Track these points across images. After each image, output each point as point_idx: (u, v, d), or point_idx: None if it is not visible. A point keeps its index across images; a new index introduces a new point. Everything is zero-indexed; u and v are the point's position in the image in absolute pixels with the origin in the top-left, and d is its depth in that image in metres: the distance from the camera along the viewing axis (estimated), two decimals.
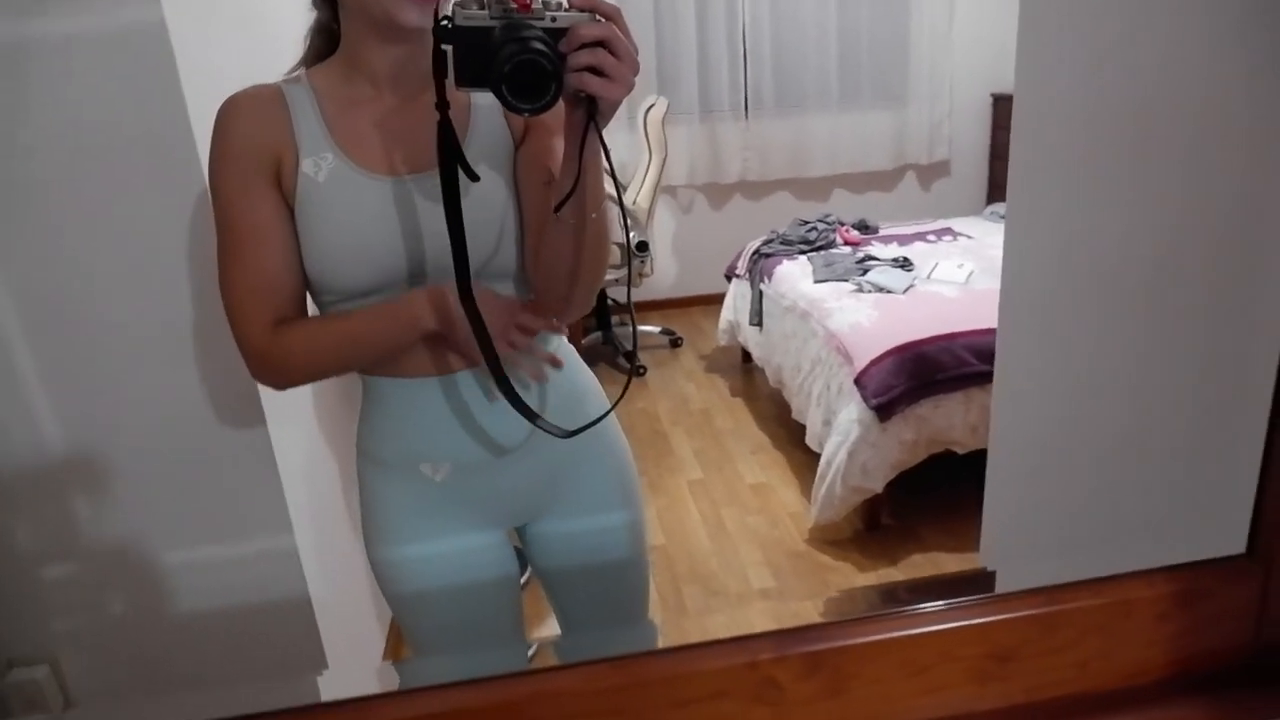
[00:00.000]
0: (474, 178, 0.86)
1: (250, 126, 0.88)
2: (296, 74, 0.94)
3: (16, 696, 1.35)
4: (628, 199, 3.23)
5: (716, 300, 3.46)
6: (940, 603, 0.50)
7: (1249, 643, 0.54)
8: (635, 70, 0.76)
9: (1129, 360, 0.67)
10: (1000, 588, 0.66)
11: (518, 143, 0.93)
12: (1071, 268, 0.83)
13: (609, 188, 0.86)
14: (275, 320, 0.89)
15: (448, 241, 0.85)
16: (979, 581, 0.74)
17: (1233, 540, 0.55)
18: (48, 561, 1.32)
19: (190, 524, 1.36)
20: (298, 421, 1.64)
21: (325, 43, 0.95)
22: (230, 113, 0.88)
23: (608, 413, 1.02)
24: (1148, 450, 0.63)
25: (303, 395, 1.66)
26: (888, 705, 0.50)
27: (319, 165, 0.88)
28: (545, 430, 0.94)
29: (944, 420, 2.27)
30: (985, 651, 0.51)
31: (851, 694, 0.50)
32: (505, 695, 0.49)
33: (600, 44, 0.74)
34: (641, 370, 3.47)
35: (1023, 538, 0.81)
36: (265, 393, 1.34)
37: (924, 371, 2.25)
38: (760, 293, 3.02)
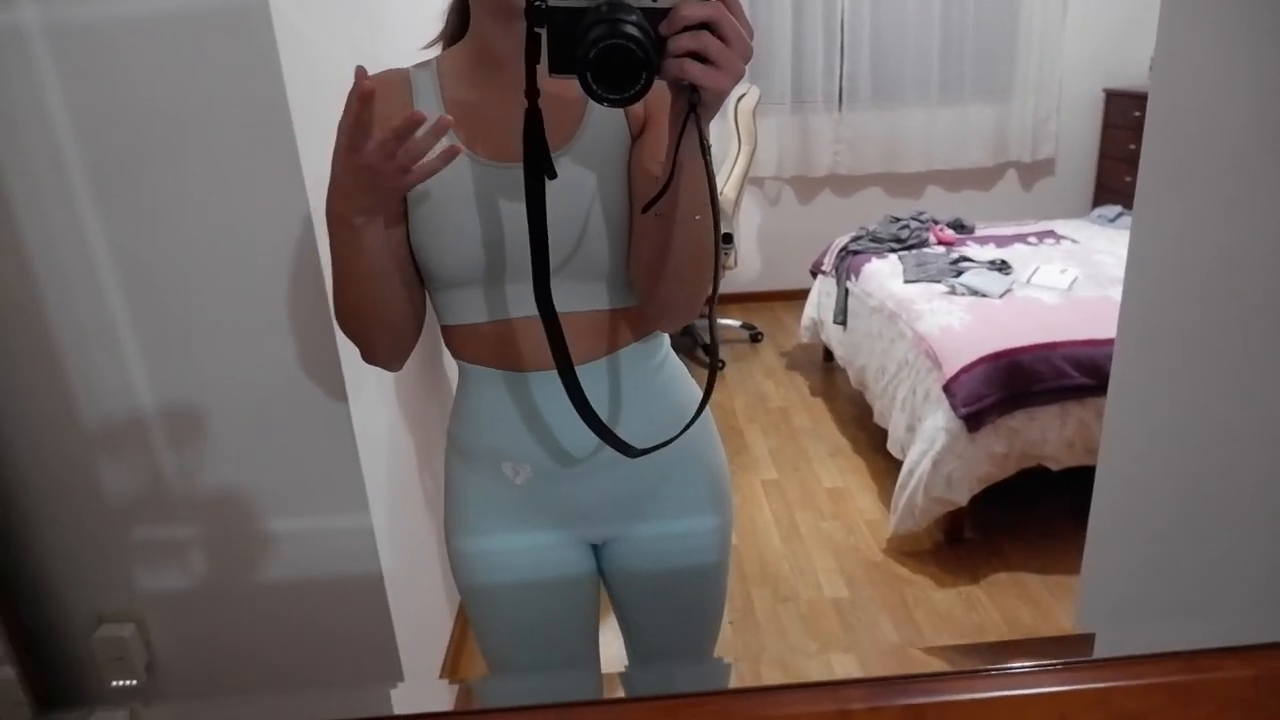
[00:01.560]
0: (551, 174, 0.80)
1: (381, 108, 0.87)
2: (428, 59, 0.93)
3: (104, 651, 1.41)
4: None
5: (800, 296, 3.38)
6: (1057, 661, 0.45)
7: None
8: (747, 57, 0.68)
9: (1265, 404, 0.59)
10: (1099, 653, 0.59)
11: (635, 134, 0.87)
12: (1204, 292, 0.75)
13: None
14: None
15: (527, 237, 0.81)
16: (1075, 645, 0.67)
17: None
18: (137, 522, 1.37)
19: (273, 495, 1.39)
20: (379, 400, 1.65)
21: (459, 23, 0.93)
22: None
23: (683, 431, 0.91)
24: (1263, 514, 0.56)
25: (386, 375, 1.68)
26: None
27: (435, 151, 0.86)
28: (614, 446, 0.88)
29: (1037, 434, 2.16)
30: (1107, 715, 0.45)
31: None
32: None
33: (706, 26, 0.66)
34: (720, 365, 3.42)
35: (1129, 598, 0.73)
36: (348, 370, 1.36)
37: (1018, 381, 2.14)
38: (846, 290, 2.93)
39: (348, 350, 1.37)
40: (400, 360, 0.97)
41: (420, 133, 0.74)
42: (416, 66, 0.92)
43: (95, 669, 1.42)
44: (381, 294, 0.87)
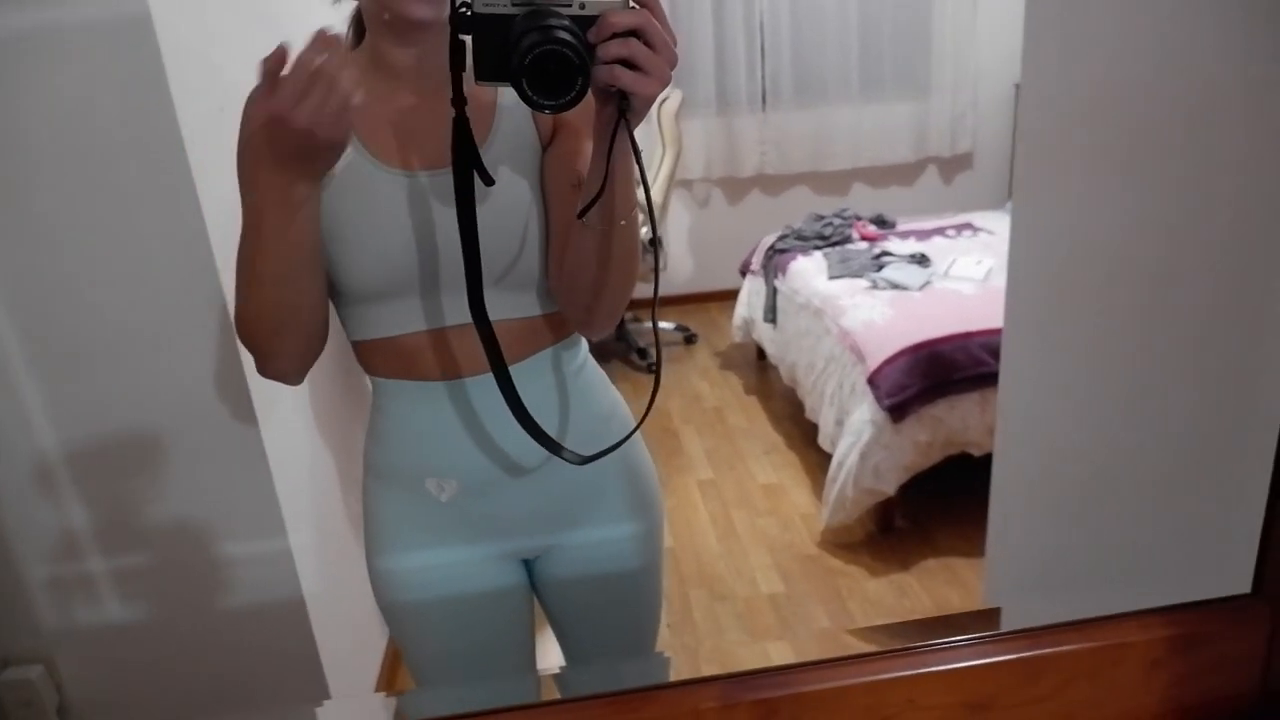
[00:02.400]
0: (488, 181, 0.81)
1: None
2: None
3: (11, 696, 1.35)
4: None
5: (732, 296, 3.40)
6: (904, 645, 0.46)
7: (1255, 690, 0.49)
8: (672, 63, 0.69)
9: (1134, 386, 0.61)
10: (1006, 625, 0.61)
11: (545, 143, 0.88)
12: (1079, 272, 0.78)
13: (639, 192, 0.80)
14: None
15: (460, 245, 0.81)
16: (985, 619, 0.69)
17: (1241, 579, 0.50)
18: (42, 562, 1.32)
19: (186, 523, 1.35)
20: (294, 421, 1.62)
21: (356, 34, 0.92)
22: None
23: (628, 436, 0.94)
24: (1153, 483, 0.58)
25: (300, 394, 1.64)
26: None
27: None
28: (563, 458, 0.89)
29: (959, 421, 2.21)
30: (958, 700, 0.46)
31: None
32: None
33: (634, 33, 0.67)
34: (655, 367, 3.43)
35: (1028, 573, 0.76)
36: (257, 392, 1.32)
37: (939, 371, 2.19)
38: (774, 289, 2.97)
39: (255, 371, 1.33)
40: (303, 371, 0.91)
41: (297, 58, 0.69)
42: None
43: (2, 714, 1.36)
44: (302, 287, 0.83)
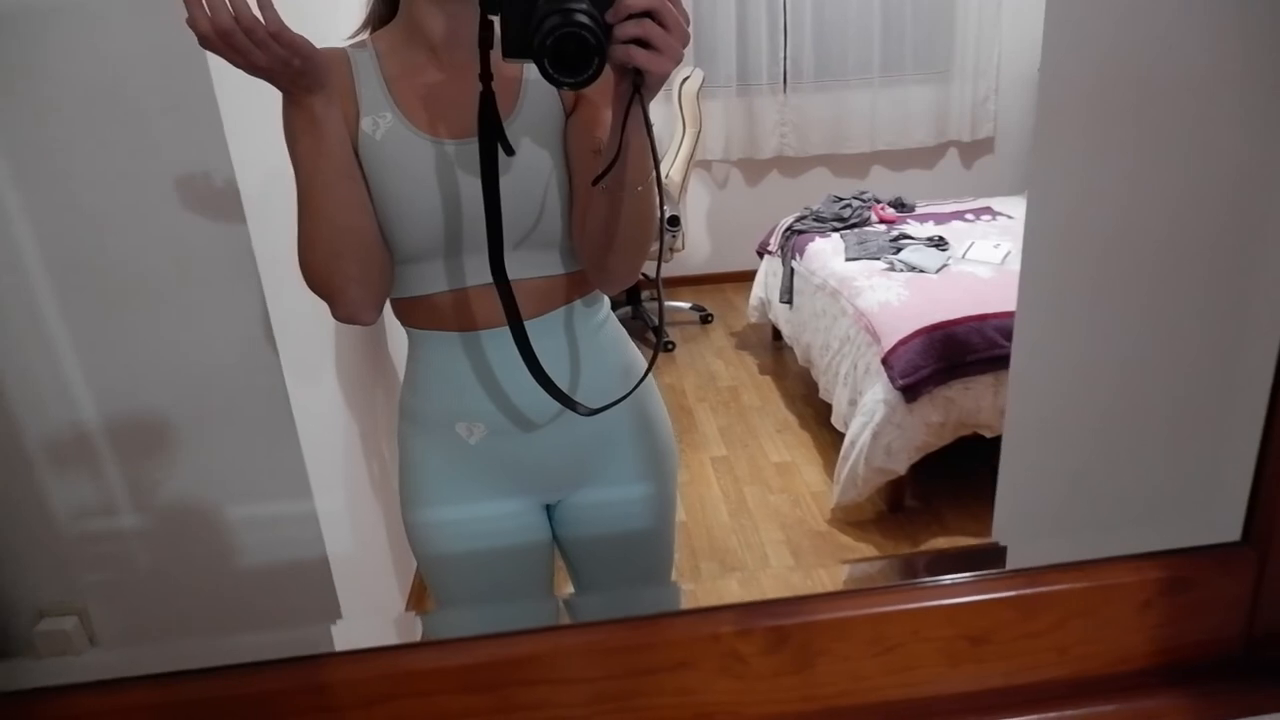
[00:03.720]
0: (509, 151, 0.86)
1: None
2: (361, 38, 0.95)
3: (46, 645, 1.40)
4: (661, 171, 3.20)
5: (749, 277, 3.42)
6: (909, 581, 0.49)
7: (1240, 634, 0.52)
8: (685, 43, 0.74)
9: (1136, 341, 0.64)
10: (1011, 564, 0.64)
11: (568, 111, 0.93)
12: (1086, 250, 0.81)
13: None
14: None
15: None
16: (991, 556, 0.73)
17: (1231, 527, 0.52)
18: (76, 517, 1.36)
19: (215, 483, 1.39)
20: (321, 385, 1.66)
21: (386, 5, 0.95)
22: None
23: (630, 392, 0.98)
24: (1153, 433, 0.61)
25: (325, 358, 1.68)
26: (855, 683, 0.49)
27: (377, 124, 0.89)
28: (568, 407, 0.94)
29: (972, 403, 2.23)
30: (957, 633, 0.49)
31: (817, 670, 0.49)
32: (466, 657, 0.49)
33: (648, 14, 0.72)
34: (670, 346, 3.46)
35: (1035, 515, 0.79)
36: (287, 356, 1.36)
37: (953, 353, 2.21)
38: (791, 270, 2.98)
39: (285, 334, 1.37)
40: (374, 305, 0.94)
41: None
42: (352, 46, 0.94)
43: (38, 665, 1.41)
44: (347, 205, 0.87)
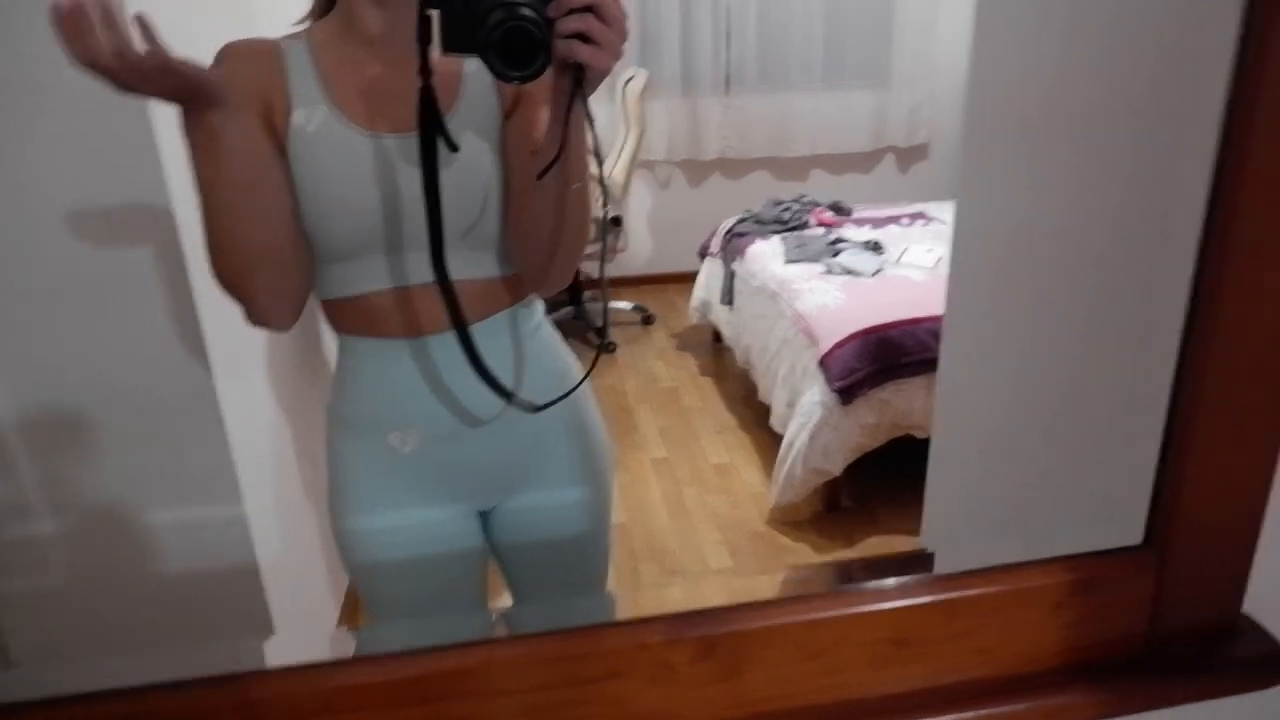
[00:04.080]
0: (453, 147, 0.85)
1: (245, 70, 0.86)
2: (296, 30, 0.93)
3: None
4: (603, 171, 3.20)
5: (691, 278, 3.45)
6: (836, 588, 0.50)
7: (1143, 632, 0.54)
8: (624, 38, 0.75)
9: (1050, 349, 0.67)
10: (939, 569, 0.66)
11: (507, 112, 0.92)
12: (1008, 258, 0.84)
13: (591, 161, 0.85)
14: None
15: (425, 206, 0.85)
16: (921, 562, 0.76)
17: (1134, 531, 0.55)
18: None
19: (140, 488, 1.35)
20: (252, 385, 1.62)
21: (327, 3, 0.93)
22: (226, 56, 0.87)
23: (575, 388, 1.01)
24: (1065, 439, 0.63)
25: (257, 357, 1.64)
26: (783, 688, 0.51)
27: (310, 117, 0.87)
28: (514, 404, 0.94)
29: (905, 404, 2.29)
30: (883, 636, 0.51)
31: (746, 677, 0.50)
32: (399, 672, 0.49)
33: (589, 9, 0.72)
34: (612, 346, 3.46)
35: (960, 520, 0.81)
36: (215, 354, 1.32)
37: (887, 355, 2.26)
38: (732, 272, 3.02)
39: (214, 333, 1.33)
40: (288, 310, 0.91)
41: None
42: (286, 37, 0.92)
43: None
44: (257, 214, 0.83)
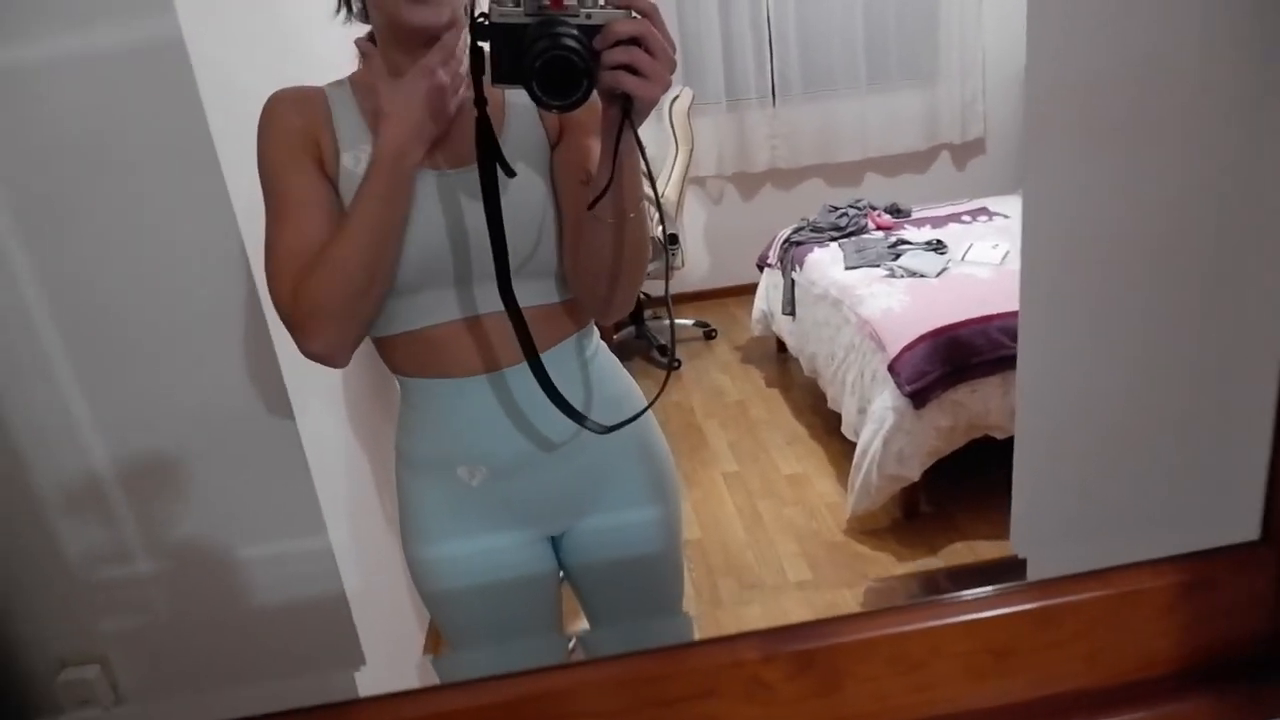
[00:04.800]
0: (510, 173, 0.86)
1: (294, 116, 0.90)
2: (340, 79, 0.96)
3: (68, 695, 1.40)
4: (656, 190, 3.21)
5: (750, 290, 3.43)
6: (929, 599, 0.49)
7: (1264, 632, 0.51)
8: (671, 68, 0.76)
9: (1142, 341, 0.64)
10: (1031, 574, 0.64)
11: (553, 142, 0.94)
12: (1085, 250, 0.81)
13: (645, 186, 0.86)
14: None
15: (482, 239, 0.87)
16: (1011, 569, 0.73)
17: (1250, 526, 0.52)
18: (91, 564, 1.37)
19: (230, 524, 1.39)
20: (328, 419, 1.66)
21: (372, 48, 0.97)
22: (275, 104, 0.91)
23: (647, 408, 1.01)
24: (1165, 433, 0.61)
25: (333, 392, 1.69)
26: (880, 703, 0.49)
27: (358, 158, 0.89)
28: (586, 427, 0.94)
29: (981, 405, 2.22)
30: (979, 647, 0.49)
31: (843, 692, 0.49)
32: (490, 697, 0.49)
33: (635, 41, 0.73)
34: (677, 364, 3.46)
35: (1051, 523, 0.79)
36: (294, 390, 1.36)
37: (958, 356, 2.21)
38: (792, 281, 2.99)
39: (292, 371, 1.38)
40: (355, 345, 0.93)
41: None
42: (330, 85, 0.95)
43: (60, 712, 1.41)
44: (392, 257, 0.87)
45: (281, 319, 0.90)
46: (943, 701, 0.50)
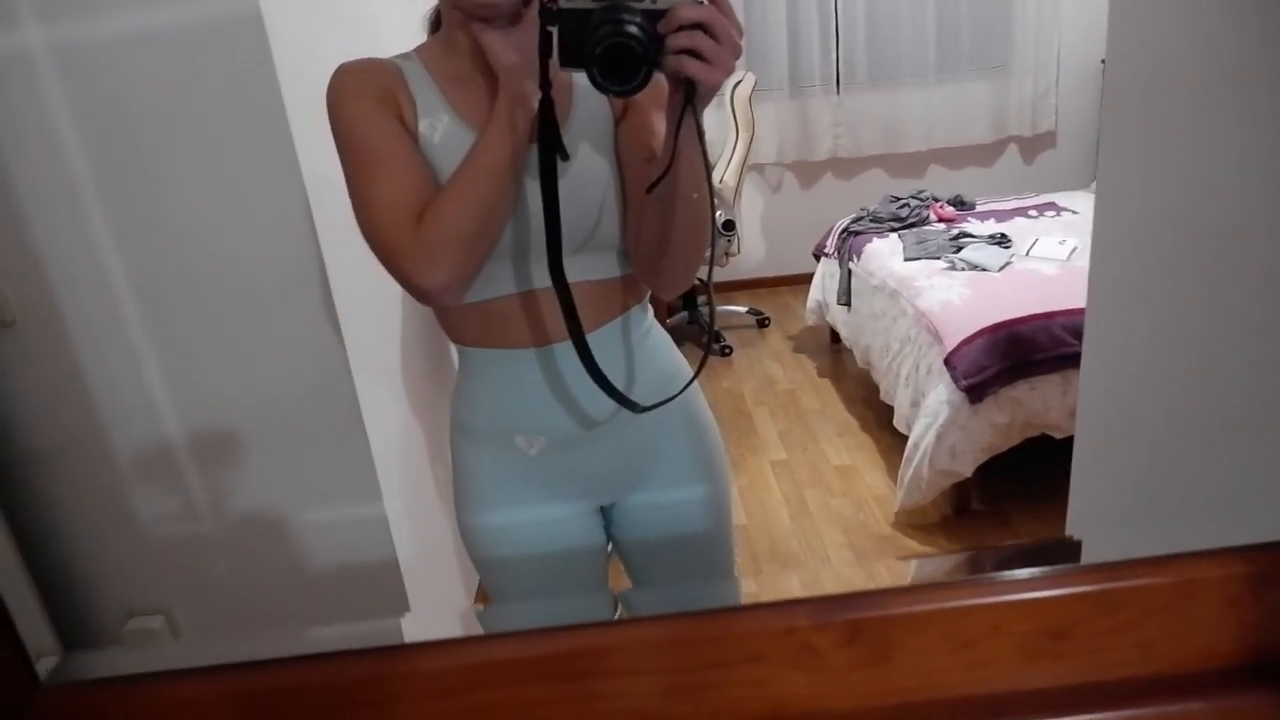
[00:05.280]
0: (565, 157, 0.88)
1: (370, 79, 0.91)
2: (407, 52, 0.97)
3: (133, 642, 1.47)
4: (713, 177, 3.21)
5: (805, 280, 3.40)
6: (988, 575, 0.48)
7: None
8: (736, 54, 0.76)
9: (1206, 334, 0.63)
10: (1086, 558, 0.64)
11: (618, 119, 0.95)
12: (1154, 245, 0.79)
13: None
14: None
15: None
16: (1064, 551, 0.73)
17: None
18: (161, 522, 1.43)
19: (291, 489, 1.45)
20: (386, 393, 1.71)
21: (435, 24, 0.99)
22: (346, 71, 0.91)
23: (685, 388, 1.02)
24: (1229, 425, 0.59)
25: (391, 365, 1.73)
26: (931, 678, 0.49)
27: (435, 126, 0.91)
28: (622, 405, 0.96)
29: (1039, 403, 2.18)
30: (1037, 628, 0.49)
31: (892, 664, 0.49)
32: (540, 648, 0.50)
33: (700, 26, 0.74)
34: (728, 350, 3.45)
35: (1109, 510, 0.78)
36: (355, 363, 1.40)
37: (1018, 352, 2.16)
38: (849, 271, 2.96)
39: (355, 345, 1.42)
40: (469, 284, 0.92)
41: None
42: (398, 57, 0.96)
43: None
44: (511, 197, 0.89)
45: (394, 264, 0.88)
46: (993, 680, 0.50)
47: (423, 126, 0.91)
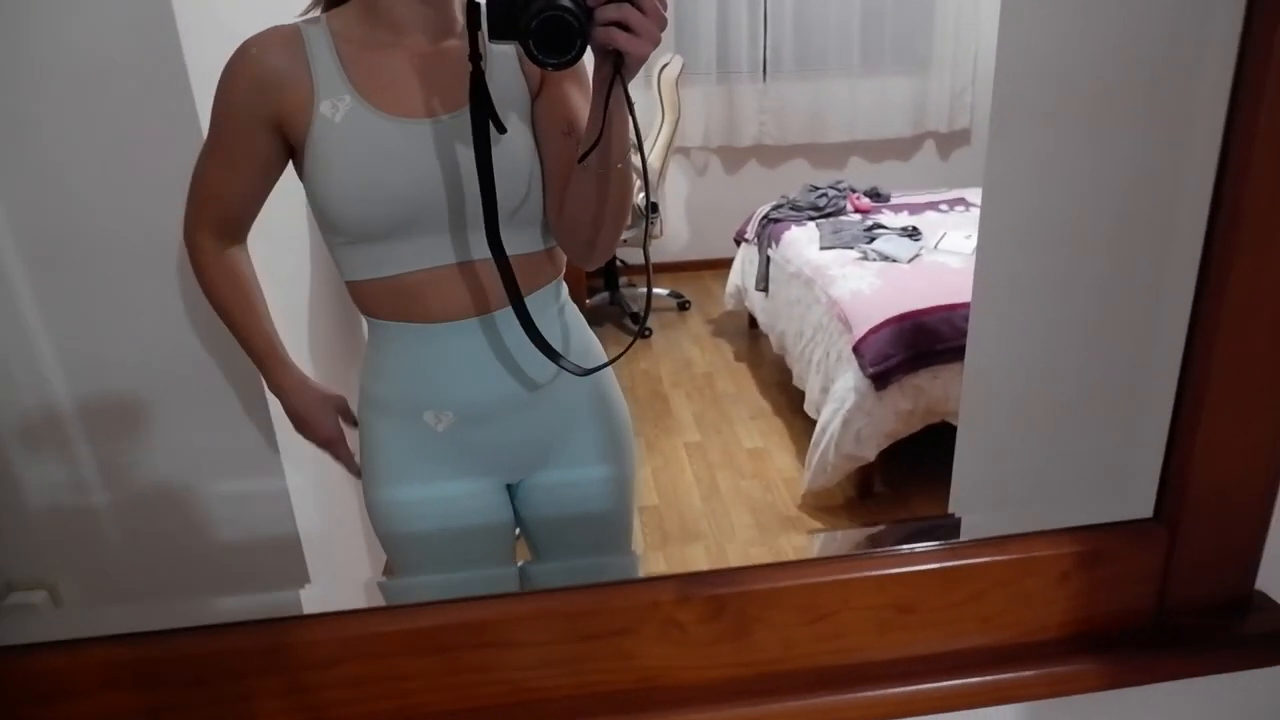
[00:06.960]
0: (502, 130, 0.88)
1: (266, 71, 0.89)
2: (314, 15, 0.95)
3: (14, 619, 1.41)
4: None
5: (727, 265, 3.45)
6: (841, 555, 0.51)
7: (1152, 605, 0.55)
8: (662, 26, 0.78)
9: (1067, 327, 0.67)
10: (965, 534, 0.68)
11: (534, 93, 0.95)
12: (1030, 242, 0.84)
13: (631, 140, 0.88)
14: (215, 233, 1.01)
15: (465, 187, 0.89)
16: (948, 529, 0.77)
17: (1144, 505, 0.56)
18: (47, 493, 1.37)
19: (187, 460, 1.40)
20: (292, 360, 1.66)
21: None
22: (247, 53, 0.90)
23: (617, 358, 1.06)
24: (1079, 415, 0.64)
25: (298, 336, 1.69)
26: (788, 650, 0.52)
27: (336, 107, 0.89)
28: (563, 368, 0.98)
29: (940, 391, 2.27)
30: (886, 602, 0.52)
31: (754, 637, 0.52)
32: (413, 622, 0.51)
33: None
34: (648, 332, 3.48)
35: (984, 494, 0.82)
36: None
37: (922, 342, 2.25)
38: (767, 258, 3.01)
39: None
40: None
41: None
42: (305, 22, 0.93)
43: (6, 636, 1.42)
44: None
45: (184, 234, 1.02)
46: (848, 651, 0.53)
47: (323, 108, 0.89)
